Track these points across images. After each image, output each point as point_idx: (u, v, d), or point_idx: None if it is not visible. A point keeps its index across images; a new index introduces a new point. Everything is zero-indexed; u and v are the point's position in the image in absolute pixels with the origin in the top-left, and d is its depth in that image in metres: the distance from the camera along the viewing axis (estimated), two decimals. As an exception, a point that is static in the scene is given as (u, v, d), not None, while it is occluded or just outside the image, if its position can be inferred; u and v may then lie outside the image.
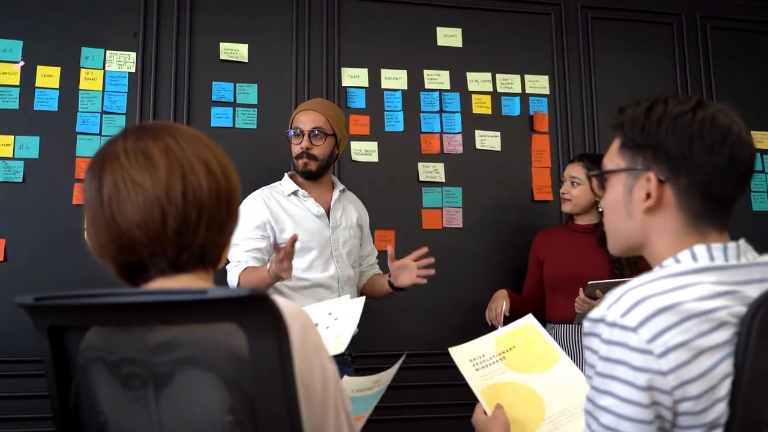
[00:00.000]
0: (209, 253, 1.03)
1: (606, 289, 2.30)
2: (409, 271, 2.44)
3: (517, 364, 1.70)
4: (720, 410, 1.00)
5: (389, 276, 2.51)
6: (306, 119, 2.52)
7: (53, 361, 1.03)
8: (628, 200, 1.19)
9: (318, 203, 2.54)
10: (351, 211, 2.66)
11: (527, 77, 3.35)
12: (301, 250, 2.43)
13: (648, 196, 1.15)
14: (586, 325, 1.10)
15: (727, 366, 1.01)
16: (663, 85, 3.47)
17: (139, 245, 0.97)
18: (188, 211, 0.98)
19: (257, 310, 0.83)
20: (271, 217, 2.46)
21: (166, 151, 1.00)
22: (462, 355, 1.74)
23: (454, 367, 1.75)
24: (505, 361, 1.70)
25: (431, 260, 2.40)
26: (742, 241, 1.12)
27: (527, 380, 1.66)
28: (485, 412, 1.61)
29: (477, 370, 1.70)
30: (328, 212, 2.55)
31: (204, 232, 0.99)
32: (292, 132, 2.54)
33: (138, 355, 0.94)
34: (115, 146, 1.01)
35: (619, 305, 1.05)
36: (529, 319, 1.81)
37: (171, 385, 0.91)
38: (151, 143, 1.00)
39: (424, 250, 2.40)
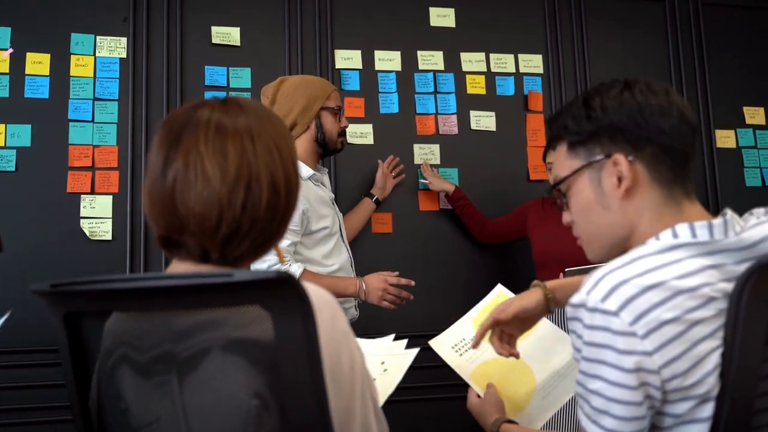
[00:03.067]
0: (243, 261, 1.02)
1: (585, 273, 2.32)
2: (389, 178, 2.99)
3: None
4: (710, 384, 1.00)
5: (370, 196, 2.95)
6: (338, 96, 2.57)
7: (70, 348, 1.00)
8: (600, 194, 1.16)
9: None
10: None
11: (521, 56, 3.34)
12: (328, 236, 2.41)
13: (619, 180, 1.13)
14: (569, 311, 1.08)
15: (714, 341, 1.00)
16: (656, 62, 3.47)
17: (188, 233, 0.96)
18: (242, 221, 0.96)
19: (284, 293, 0.81)
20: (309, 205, 2.35)
21: (242, 152, 0.98)
22: (443, 344, 1.73)
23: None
24: (486, 339, 1.71)
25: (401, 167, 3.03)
26: (728, 216, 1.08)
27: None
28: (478, 395, 1.61)
29: (461, 355, 1.70)
30: None
31: (248, 245, 0.99)
32: (333, 109, 2.52)
33: (160, 340, 0.93)
34: (196, 118, 0.99)
35: (599, 289, 1.03)
36: (499, 288, 1.82)
37: (195, 371, 0.90)
38: (230, 137, 0.98)
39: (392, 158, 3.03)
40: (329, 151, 2.55)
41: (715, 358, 1.00)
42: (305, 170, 2.42)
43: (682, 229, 1.07)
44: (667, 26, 3.52)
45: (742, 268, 1.03)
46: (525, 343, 1.63)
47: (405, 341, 1.86)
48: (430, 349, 1.74)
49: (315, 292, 0.93)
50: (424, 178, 3.06)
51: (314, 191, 2.42)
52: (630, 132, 1.12)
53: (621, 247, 1.17)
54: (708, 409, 1.01)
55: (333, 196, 2.56)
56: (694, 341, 0.99)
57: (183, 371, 0.91)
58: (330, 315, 0.95)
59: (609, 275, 1.04)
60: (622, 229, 1.15)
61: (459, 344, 1.72)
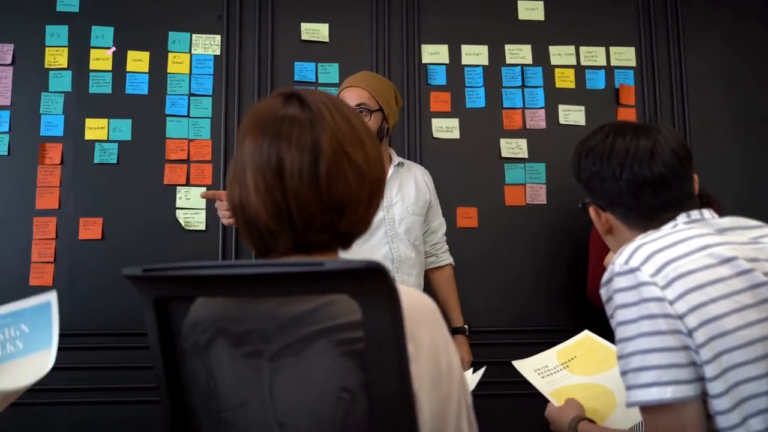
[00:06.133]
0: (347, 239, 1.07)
1: None
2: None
3: (581, 370, 1.70)
4: (727, 345, 1.06)
5: (459, 325, 2.67)
6: (350, 95, 2.43)
7: (158, 332, 1.03)
8: (599, 224, 1.37)
9: None
10: (410, 186, 2.54)
11: (612, 49, 3.25)
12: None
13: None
14: (602, 292, 1.19)
15: (731, 303, 1.08)
16: (758, 53, 3.30)
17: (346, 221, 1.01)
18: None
19: (371, 283, 0.82)
20: None
21: (367, 132, 1.05)
22: (526, 366, 1.77)
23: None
24: (568, 368, 1.72)
25: None
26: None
27: (593, 380, 1.66)
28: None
29: (543, 377, 1.71)
30: None
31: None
32: None
33: (255, 328, 0.95)
34: (320, 113, 1.02)
35: (623, 255, 1.16)
36: (585, 333, 1.83)
37: (286, 360, 0.92)
38: (353, 118, 1.04)
39: None
40: None
41: (733, 321, 1.07)
42: None
43: (681, 217, 1.24)
44: (771, 15, 3.35)
45: (744, 238, 1.18)
46: (608, 373, 1.64)
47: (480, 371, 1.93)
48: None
49: (418, 297, 0.95)
50: None
51: None
52: (595, 192, 1.34)
53: None
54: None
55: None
56: (712, 297, 1.08)
57: (274, 360, 0.93)
58: (432, 322, 0.96)
59: (629, 245, 1.18)
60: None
61: (541, 369, 1.75)
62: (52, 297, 1.54)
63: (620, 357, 1.12)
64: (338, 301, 0.87)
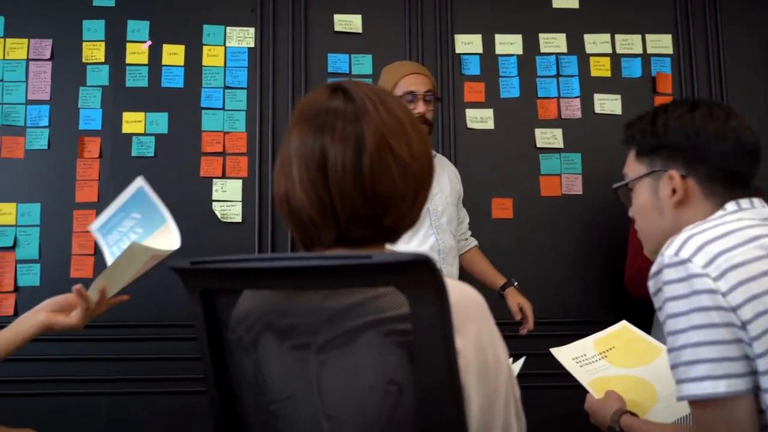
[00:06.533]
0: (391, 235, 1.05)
1: None
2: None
3: (620, 361, 1.68)
4: None
5: (505, 284, 2.62)
6: (419, 81, 2.41)
7: (205, 323, 1.04)
8: (657, 200, 1.31)
9: None
10: (444, 177, 2.56)
11: (648, 37, 3.20)
12: None
13: (674, 191, 1.27)
14: (650, 284, 1.18)
15: None
16: (799, 40, 3.24)
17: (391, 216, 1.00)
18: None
19: (418, 276, 0.82)
20: None
21: (414, 125, 1.04)
22: (564, 354, 1.75)
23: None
24: (607, 359, 1.69)
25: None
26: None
27: (633, 372, 1.63)
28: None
29: (581, 366, 1.69)
30: None
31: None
32: (402, 95, 2.37)
33: (303, 321, 0.96)
34: (364, 106, 1.00)
35: (672, 247, 1.15)
36: (623, 323, 1.81)
37: (334, 353, 0.93)
38: (399, 111, 1.03)
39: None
40: None
41: None
42: None
43: (730, 205, 1.23)
44: (812, 0, 3.28)
45: None
46: (647, 367, 1.62)
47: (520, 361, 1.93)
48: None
49: (465, 291, 0.95)
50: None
51: None
52: (686, 152, 1.27)
53: None
54: None
55: None
56: (765, 289, 1.07)
57: (321, 353, 0.94)
58: (479, 316, 0.96)
59: (679, 236, 1.17)
60: (673, 232, 1.25)
61: (579, 358, 1.73)
62: (141, 183, 1.62)
63: (671, 350, 1.11)
64: (385, 294, 0.87)
